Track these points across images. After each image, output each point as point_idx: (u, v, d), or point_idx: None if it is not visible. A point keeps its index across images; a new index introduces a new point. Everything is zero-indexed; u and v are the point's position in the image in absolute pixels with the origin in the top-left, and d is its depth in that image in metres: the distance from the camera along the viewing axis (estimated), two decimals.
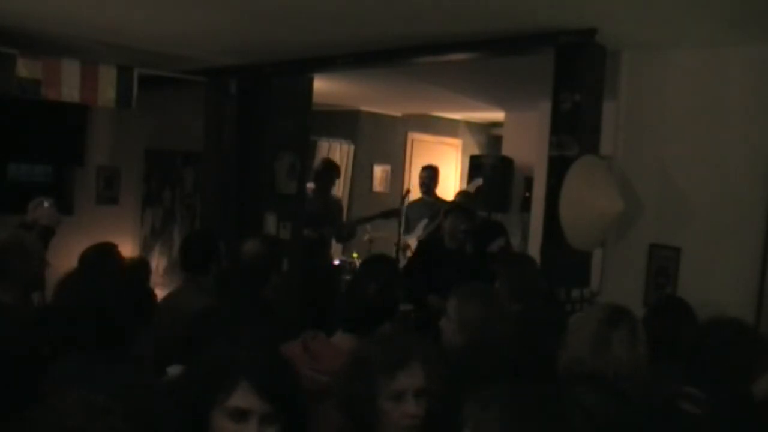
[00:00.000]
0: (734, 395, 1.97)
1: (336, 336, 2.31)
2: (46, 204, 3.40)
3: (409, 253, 5.19)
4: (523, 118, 6.27)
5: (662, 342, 2.37)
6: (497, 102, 6.29)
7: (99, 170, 6.24)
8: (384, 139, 7.60)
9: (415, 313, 4.16)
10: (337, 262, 6.06)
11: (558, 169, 3.36)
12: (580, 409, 1.58)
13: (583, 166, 3.30)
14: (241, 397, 1.43)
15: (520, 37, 3.51)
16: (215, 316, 2.29)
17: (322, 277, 5.31)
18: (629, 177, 3.66)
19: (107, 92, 4.60)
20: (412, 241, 5.41)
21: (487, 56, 3.87)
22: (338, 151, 7.12)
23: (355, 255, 6.27)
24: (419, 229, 5.52)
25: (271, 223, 5.07)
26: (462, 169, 7.73)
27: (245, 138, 5.20)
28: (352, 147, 7.32)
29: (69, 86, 4.42)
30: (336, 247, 6.28)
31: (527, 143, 5.82)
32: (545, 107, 3.98)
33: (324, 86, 5.57)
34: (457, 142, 8.11)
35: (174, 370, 2.07)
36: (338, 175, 5.73)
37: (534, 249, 4.51)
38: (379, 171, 7.57)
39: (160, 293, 3.19)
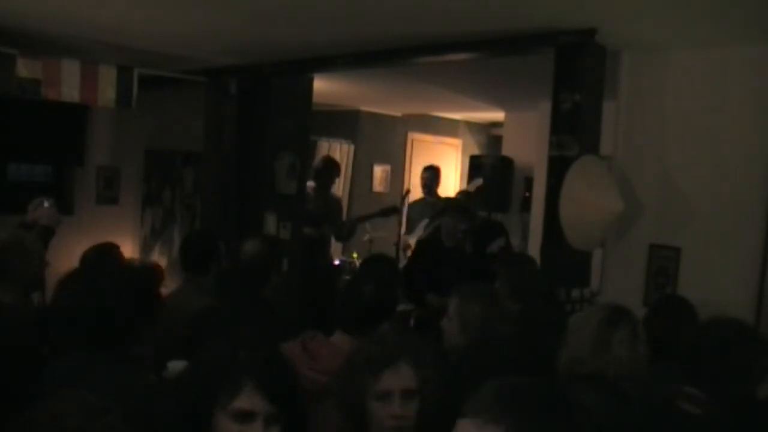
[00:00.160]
0: (734, 395, 1.96)
1: (335, 336, 2.31)
2: (46, 204, 3.39)
3: (409, 253, 5.19)
4: (523, 118, 6.27)
5: (662, 342, 2.37)
6: (497, 102, 6.28)
7: (99, 170, 6.23)
8: (384, 139, 7.60)
9: (414, 313, 4.16)
10: (337, 262, 6.05)
11: (558, 169, 3.36)
12: (580, 409, 1.58)
13: (583, 166, 3.30)
14: (246, 399, 1.41)
15: (520, 37, 3.51)
16: (215, 316, 2.29)
17: (322, 277, 5.30)
18: (629, 177, 3.66)
19: (107, 92, 4.59)
20: (413, 241, 5.40)
21: (487, 56, 3.86)
22: (338, 151, 7.11)
23: (355, 255, 6.26)
24: (420, 229, 5.52)
25: (271, 223, 5.07)
26: (462, 169, 7.72)
27: (245, 138, 5.19)
28: (352, 147, 7.32)
29: (69, 86, 4.42)
30: (336, 247, 6.28)
31: (527, 143, 5.81)
32: (545, 107, 3.98)
33: (324, 86, 5.57)
34: (457, 142, 8.10)
35: (174, 364, 2.07)
36: (338, 173, 5.72)
37: (534, 249, 4.51)
38: (379, 171, 7.56)
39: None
